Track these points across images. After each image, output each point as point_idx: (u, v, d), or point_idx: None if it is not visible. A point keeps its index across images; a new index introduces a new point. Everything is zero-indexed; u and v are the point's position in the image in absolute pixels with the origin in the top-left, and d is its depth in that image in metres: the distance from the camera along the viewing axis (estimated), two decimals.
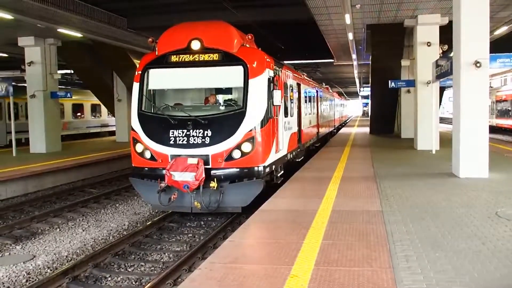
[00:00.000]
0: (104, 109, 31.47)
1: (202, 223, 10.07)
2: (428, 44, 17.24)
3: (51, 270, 7.41)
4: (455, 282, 4.46)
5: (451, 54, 11.42)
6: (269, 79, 9.57)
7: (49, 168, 14.89)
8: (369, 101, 38.87)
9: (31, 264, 7.68)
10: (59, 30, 17.13)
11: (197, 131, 9.01)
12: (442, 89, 22.09)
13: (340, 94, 55.42)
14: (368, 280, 4.52)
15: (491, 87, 36.11)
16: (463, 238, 5.87)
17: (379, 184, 9.91)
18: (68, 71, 31.16)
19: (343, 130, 35.66)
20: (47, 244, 8.87)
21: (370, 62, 25.70)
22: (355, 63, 32.62)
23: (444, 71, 12.84)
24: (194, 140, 9.00)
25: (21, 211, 11.77)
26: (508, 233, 6.05)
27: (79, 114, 30.97)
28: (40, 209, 11.94)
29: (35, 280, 6.95)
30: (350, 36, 21.16)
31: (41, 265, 7.66)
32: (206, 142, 8.96)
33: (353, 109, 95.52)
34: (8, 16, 14.37)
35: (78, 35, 18.15)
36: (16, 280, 6.99)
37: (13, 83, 19.11)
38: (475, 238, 5.83)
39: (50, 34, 19.13)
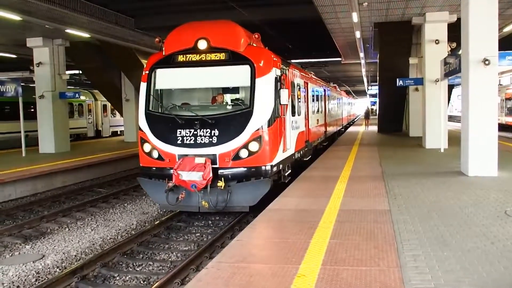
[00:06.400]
0: None
1: (209, 222, 10.08)
2: (436, 41, 17.14)
3: (60, 270, 7.46)
4: (463, 281, 4.42)
5: (460, 52, 11.33)
6: (276, 78, 9.55)
7: (58, 168, 15.00)
8: (377, 99, 38.68)
9: (41, 264, 7.74)
10: (67, 30, 17.24)
11: (204, 130, 9.02)
12: (450, 87, 21.94)
13: (348, 92, 55.31)
14: (376, 280, 4.50)
15: (500, 84, 35.76)
16: (472, 237, 5.83)
17: (387, 183, 9.86)
18: (77, 72, 31.31)
19: (351, 128, 35.56)
20: (56, 243, 8.94)
21: (378, 60, 25.58)
22: (362, 61, 32.47)
23: (453, 69, 12.75)
24: (202, 139, 9.00)
25: (30, 211, 11.86)
26: None
27: None
28: (49, 209, 12.03)
29: (44, 279, 7.01)
30: (358, 34, 21.06)
31: (50, 264, 7.71)
32: (214, 141, 8.96)
33: (361, 107, 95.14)
34: (16, 17, 14.48)
35: (86, 35, 18.25)
36: (25, 280, 7.05)
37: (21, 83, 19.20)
38: (484, 238, 5.78)
39: (58, 34, 19.27)
